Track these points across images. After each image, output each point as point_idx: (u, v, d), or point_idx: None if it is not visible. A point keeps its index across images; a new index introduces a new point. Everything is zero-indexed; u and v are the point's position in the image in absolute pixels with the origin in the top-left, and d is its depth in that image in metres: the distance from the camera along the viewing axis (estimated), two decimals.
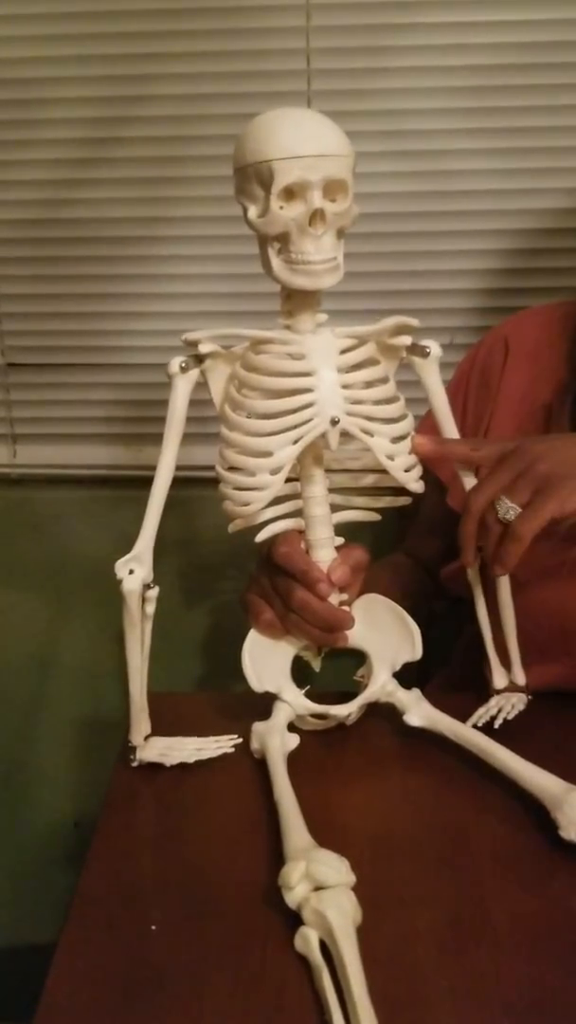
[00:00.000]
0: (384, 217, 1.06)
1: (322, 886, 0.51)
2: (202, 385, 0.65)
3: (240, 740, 0.69)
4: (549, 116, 1.03)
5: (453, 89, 1.02)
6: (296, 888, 0.52)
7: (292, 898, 0.52)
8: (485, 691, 0.73)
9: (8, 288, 1.12)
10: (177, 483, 0.66)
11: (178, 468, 0.65)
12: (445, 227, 1.07)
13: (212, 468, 0.66)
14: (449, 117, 1.03)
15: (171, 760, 0.67)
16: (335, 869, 0.52)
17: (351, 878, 0.52)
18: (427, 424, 0.72)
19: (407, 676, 0.70)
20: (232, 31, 1.01)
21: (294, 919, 0.51)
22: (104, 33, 1.03)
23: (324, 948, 0.50)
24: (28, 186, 1.08)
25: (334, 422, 0.62)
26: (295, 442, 0.62)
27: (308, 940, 0.50)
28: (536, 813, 0.60)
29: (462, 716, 0.69)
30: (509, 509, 0.62)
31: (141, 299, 1.12)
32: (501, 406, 0.88)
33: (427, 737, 0.68)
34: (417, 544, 0.97)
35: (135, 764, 0.67)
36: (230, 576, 1.12)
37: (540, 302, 0.96)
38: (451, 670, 0.95)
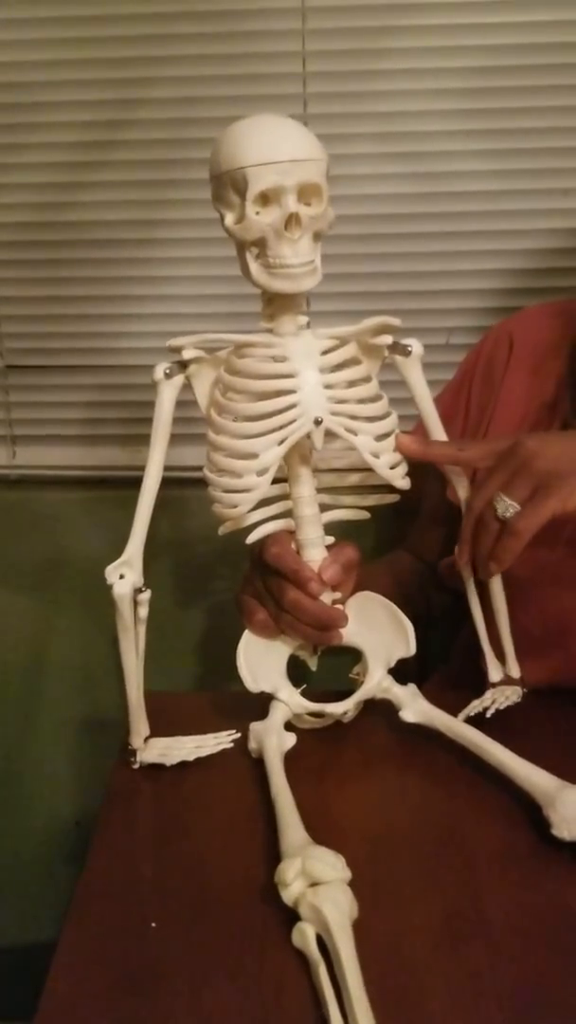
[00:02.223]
0: (381, 218, 1.06)
1: (318, 882, 0.52)
2: (189, 388, 0.66)
3: (239, 735, 0.69)
4: (545, 117, 1.03)
5: (449, 91, 1.02)
6: (292, 884, 0.52)
7: (288, 894, 0.52)
8: (483, 688, 0.73)
9: (7, 291, 1.13)
10: (170, 483, 0.66)
11: (170, 469, 0.65)
12: (441, 228, 1.07)
13: (202, 472, 0.66)
14: (445, 119, 1.03)
15: (171, 760, 0.68)
16: (331, 865, 0.52)
17: (347, 874, 0.53)
18: (421, 427, 0.72)
19: (406, 673, 0.71)
20: (228, 34, 1.01)
21: (291, 915, 0.52)
22: (101, 37, 1.03)
23: (321, 943, 0.50)
24: (26, 189, 1.08)
25: (318, 422, 0.62)
26: (280, 443, 0.62)
27: (305, 935, 0.51)
28: (530, 810, 0.60)
29: (458, 713, 0.69)
30: (508, 507, 0.62)
31: (139, 301, 1.12)
32: (503, 401, 0.88)
33: (423, 733, 0.68)
34: (418, 538, 0.97)
35: (136, 766, 0.68)
36: (224, 576, 1.13)
37: (536, 302, 0.96)
38: (450, 667, 0.96)
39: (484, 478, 0.64)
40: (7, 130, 1.07)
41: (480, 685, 0.73)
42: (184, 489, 0.80)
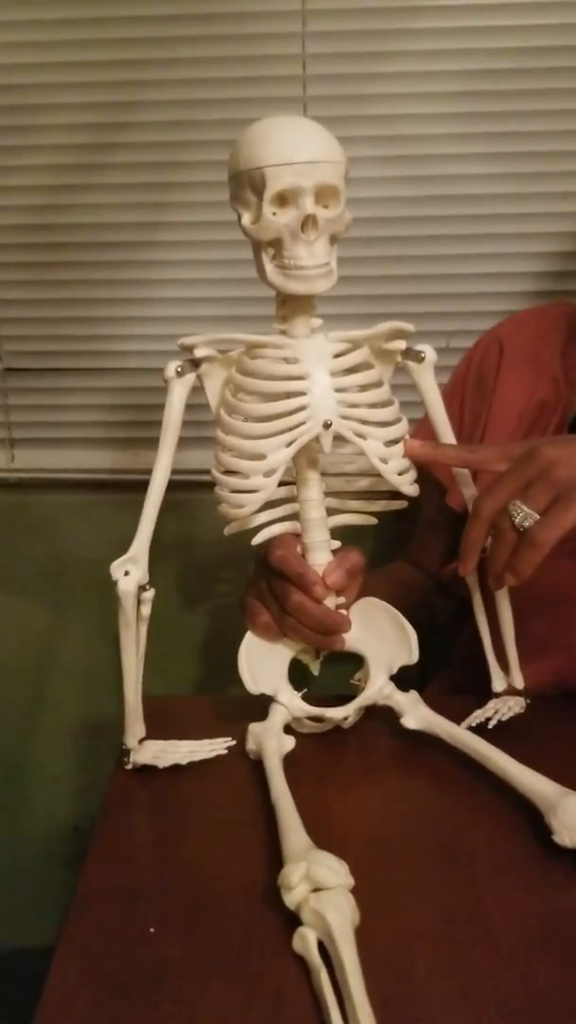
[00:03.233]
0: (381, 222, 1.07)
1: (321, 887, 0.51)
2: (199, 389, 0.66)
3: (234, 742, 0.69)
4: (545, 121, 1.04)
5: (449, 94, 1.03)
6: (296, 889, 0.52)
7: (291, 899, 0.52)
8: (485, 693, 0.73)
9: (6, 294, 1.13)
10: (175, 486, 0.66)
11: (176, 471, 0.65)
12: (441, 231, 1.08)
13: (209, 471, 0.66)
14: (445, 122, 1.04)
15: (164, 762, 0.67)
16: (335, 871, 0.52)
17: (350, 880, 0.52)
18: (424, 428, 0.72)
19: (407, 677, 0.70)
20: (228, 37, 1.02)
21: (291, 920, 0.51)
22: (100, 39, 1.03)
23: (322, 949, 0.50)
24: (25, 192, 1.09)
25: (327, 425, 0.62)
26: (288, 445, 0.62)
27: (306, 940, 0.50)
28: (532, 816, 0.60)
29: (461, 719, 0.69)
30: (527, 516, 0.60)
31: (139, 304, 1.12)
32: (497, 405, 0.89)
33: (424, 740, 0.68)
34: (418, 547, 0.97)
35: (128, 767, 0.68)
36: (227, 579, 1.13)
37: (537, 305, 0.97)
38: (451, 672, 0.95)
39: (495, 483, 0.62)
40: (7, 132, 1.07)
41: (481, 689, 0.73)
42: (190, 492, 0.79)
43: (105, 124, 1.06)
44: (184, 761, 0.67)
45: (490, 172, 1.05)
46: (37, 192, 1.08)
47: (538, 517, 0.60)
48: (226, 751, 0.69)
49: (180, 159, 1.06)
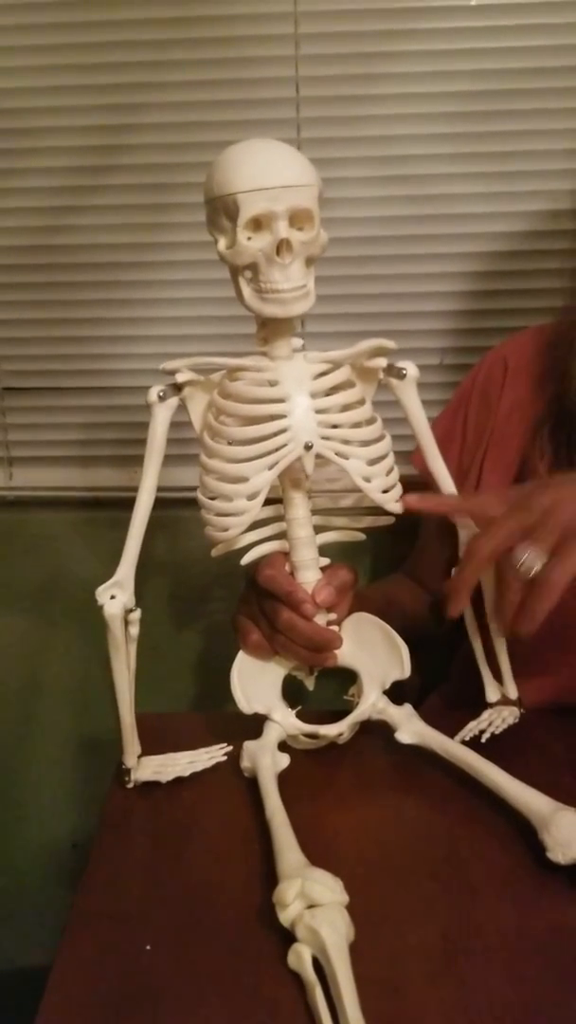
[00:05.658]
0: (374, 241, 1.07)
1: (316, 904, 0.52)
2: (183, 409, 0.66)
3: (230, 748, 0.69)
4: (534, 141, 1.04)
5: (440, 115, 1.04)
6: (291, 906, 0.52)
7: (286, 916, 0.52)
8: (483, 705, 0.73)
9: (4, 313, 1.14)
10: (166, 504, 0.67)
11: (164, 489, 0.66)
12: (435, 250, 1.08)
13: (195, 493, 0.66)
14: (436, 142, 1.04)
15: (166, 777, 0.68)
16: (329, 888, 0.52)
17: (345, 897, 0.52)
18: (419, 454, 0.72)
19: (406, 691, 0.70)
20: (222, 61, 1.03)
21: (287, 937, 0.52)
22: (97, 63, 1.04)
23: (317, 965, 0.50)
24: (23, 213, 1.10)
25: (308, 447, 0.62)
26: (271, 467, 0.62)
27: (301, 957, 0.50)
28: (526, 831, 0.60)
29: (457, 732, 0.69)
30: (536, 558, 0.59)
31: (136, 323, 1.13)
32: (500, 421, 0.89)
33: (419, 754, 0.68)
34: (418, 561, 0.97)
35: (130, 785, 0.68)
36: (218, 597, 1.13)
37: (529, 322, 0.97)
38: (449, 684, 0.95)
39: (491, 525, 0.62)
40: (3, 155, 1.08)
41: (479, 701, 0.73)
42: (179, 510, 0.80)
43: (100, 147, 1.06)
44: (186, 773, 0.68)
45: (483, 191, 1.05)
46: (34, 214, 1.09)
47: (547, 558, 0.59)
48: (225, 758, 0.69)
49: (175, 181, 1.06)
